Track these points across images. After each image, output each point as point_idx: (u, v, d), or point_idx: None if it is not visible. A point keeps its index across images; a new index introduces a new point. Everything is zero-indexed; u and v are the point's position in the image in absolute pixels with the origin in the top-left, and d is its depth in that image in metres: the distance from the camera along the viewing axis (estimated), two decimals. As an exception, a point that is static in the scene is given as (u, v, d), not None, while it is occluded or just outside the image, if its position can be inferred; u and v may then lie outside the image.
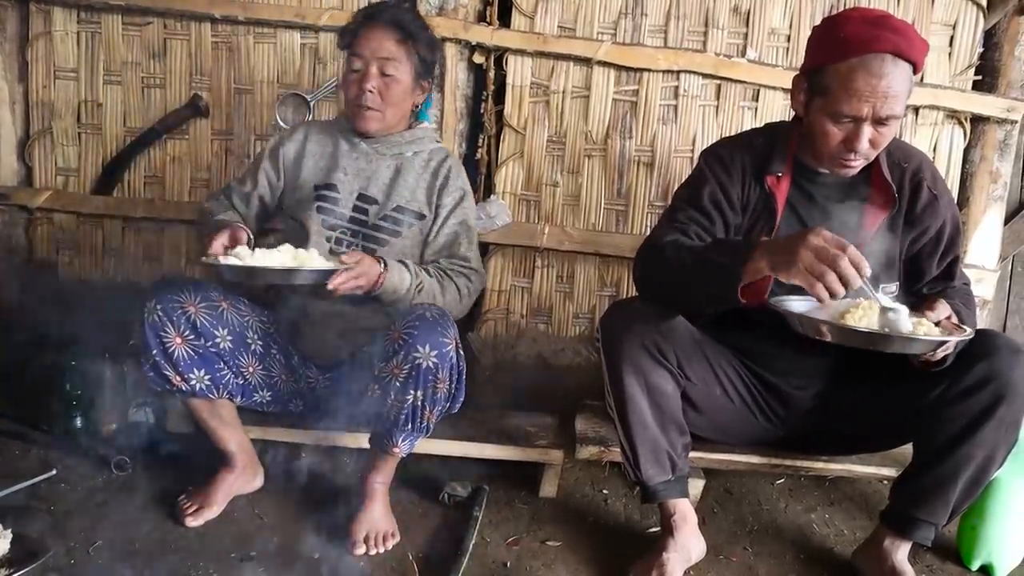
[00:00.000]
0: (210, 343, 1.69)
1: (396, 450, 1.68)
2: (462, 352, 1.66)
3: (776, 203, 1.66)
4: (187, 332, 1.66)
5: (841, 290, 1.27)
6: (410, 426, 1.64)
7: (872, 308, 1.41)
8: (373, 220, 1.86)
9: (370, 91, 1.80)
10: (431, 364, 1.57)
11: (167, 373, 1.65)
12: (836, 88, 1.50)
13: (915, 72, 1.51)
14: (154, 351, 1.63)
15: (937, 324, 1.45)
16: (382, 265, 1.68)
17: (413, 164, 1.91)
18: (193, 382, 1.68)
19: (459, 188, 1.94)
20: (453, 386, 1.65)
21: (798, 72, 1.63)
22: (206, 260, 1.59)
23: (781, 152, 1.68)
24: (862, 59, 1.46)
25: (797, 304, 1.54)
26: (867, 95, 1.46)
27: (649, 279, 1.64)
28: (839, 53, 1.49)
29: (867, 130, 1.51)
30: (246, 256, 1.57)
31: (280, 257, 1.58)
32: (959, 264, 1.73)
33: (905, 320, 1.40)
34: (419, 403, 1.61)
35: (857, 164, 1.59)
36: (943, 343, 1.40)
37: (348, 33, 1.86)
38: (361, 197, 1.88)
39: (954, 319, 1.49)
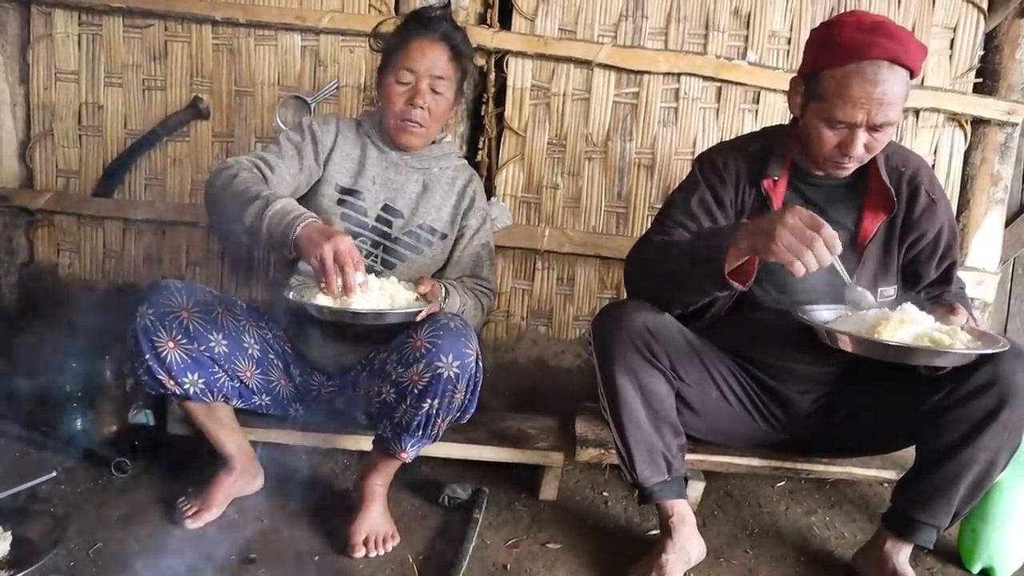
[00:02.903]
0: (203, 347, 1.67)
1: (404, 455, 1.68)
2: (481, 364, 1.65)
3: (772, 206, 1.66)
4: (179, 336, 1.63)
5: (816, 267, 1.31)
6: (420, 433, 1.64)
7: (903, 321, 1.43)
8: (396, 234, 1.86)
9: (421, 108, 1.78)
10: (452, 374, 1.57)
11: (160, 377, 1.64)
12: (831, 94, 1.50)
13: (912, 77, 1.51)
14: (146, 355, 1.61)
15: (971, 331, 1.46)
16: (443, 290, 1.69)
17: (440, 181, 1.91)
18: (187, 386, 1.66)
19: (483, 209, 1.96)
20: (467, 396, 1.65)
21: (795, 75, 1.64)
22: (295, 298, 1.53)
23: (778, 155, 1.68)
24: (858, 65, 1.46)
25: (823, 314, 1.56)
26: (862, 102, 1.47)
27: (637, 277, 1.66)
28: (835, 59, 1.49)
29: (862, 136, 1.51)
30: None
31: (371, 288, 1.55)
32: (956, 269, 1.73)
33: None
34: (434, 411, 1.60)
35: (851, 167, 1.60)
36: (977, 355, 1.40)
37: (393, 39, 1.82)
38: (386, 208, 1.86)
39: (971, 323, 1.50)
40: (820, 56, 1.54)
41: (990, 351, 1.42)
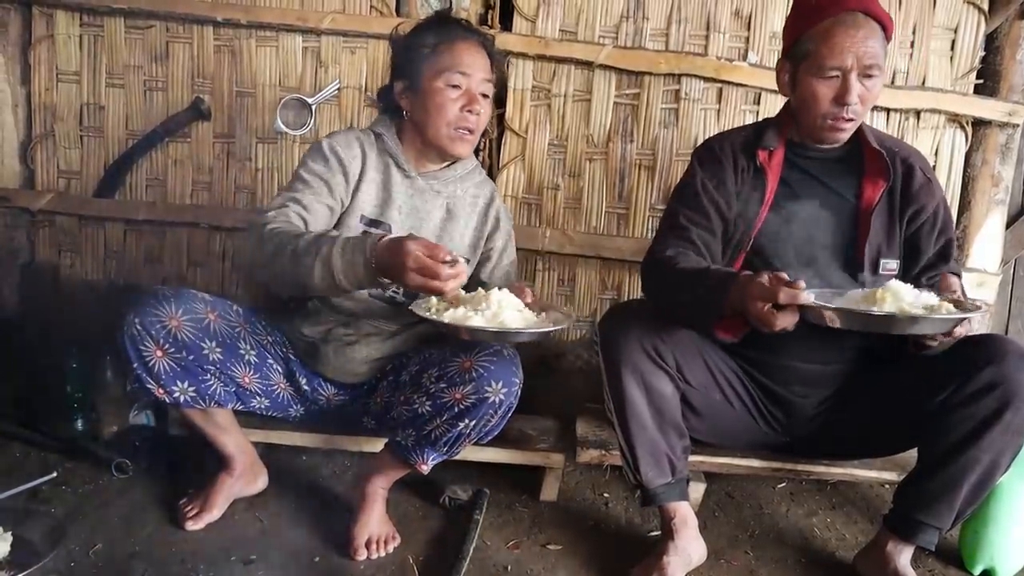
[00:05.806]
0: (194, 356, 1.63)
1: (423, 467, 1.66)
2: (521, 392, 1.63)
3: (767, 177, 1.69)
4: (168, 346, 1.59)
5: (795, 319, 1.35)
6: (446, 448, 1.63)
7: (885, 296, 1.42)
8: None
9: (477, 114, 1.71)
10: (498, 400, 1.55)
11: (149, 386, 1.61)
12: (818, 47, 1.59)
13: (886, 39, 1.60)
14: (134, 364, 1.59)
15: (955, 303, 1.45)
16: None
17: (463, 204, 1.85)
18: (176, 394, 1.63)
19: (507, 227, 1.94)
20: (499, 421, 1.62)
21: (780, 58, 1.70)
22: (434, 317, 1.48)
23: (773, 131, 1.74)
24: (836, 17, 1.58)
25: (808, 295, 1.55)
26: (848, 46, 1.56)
27: (650, 294, 1.69)
28: (814, 18, 1.60)
29: (855, 82, 1.58)
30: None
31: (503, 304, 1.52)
32: (954, 246, 1.76)
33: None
34: (467, 431, 1.59)
35: (849, 126, 1.64)
36: (960, 320, 1.39)
37: (432, 40, 1.71)
38: (409, 237, 1.80)
39: (959, 294, 1.51)
40: (798, 23, 1.64)
41: (967, 315, 1.40)
